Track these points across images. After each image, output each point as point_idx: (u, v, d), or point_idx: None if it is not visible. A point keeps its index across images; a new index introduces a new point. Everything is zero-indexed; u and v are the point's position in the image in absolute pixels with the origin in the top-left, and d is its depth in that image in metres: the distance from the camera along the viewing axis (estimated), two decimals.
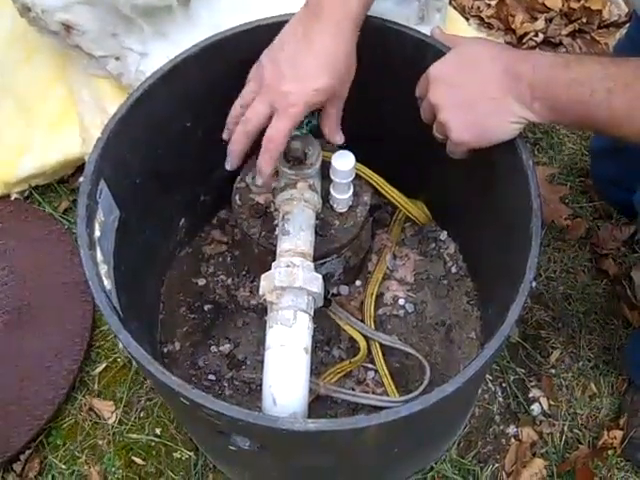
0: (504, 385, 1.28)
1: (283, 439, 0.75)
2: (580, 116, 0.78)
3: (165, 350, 1.16)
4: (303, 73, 0.86)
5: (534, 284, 1.32)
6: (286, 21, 0.92)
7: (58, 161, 1.46)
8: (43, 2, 1.20)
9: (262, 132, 0.89)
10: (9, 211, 1.46)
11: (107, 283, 0.84)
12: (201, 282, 1.22)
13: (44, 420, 1.22)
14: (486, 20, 1.83)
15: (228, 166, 0.94)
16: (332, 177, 1.01)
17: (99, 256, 0.85)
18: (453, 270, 1.22)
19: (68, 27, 1.23)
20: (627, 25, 1.58)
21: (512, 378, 1.29)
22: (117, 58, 1.27)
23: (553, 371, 1.30)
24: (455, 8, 1.74)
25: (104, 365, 1.31)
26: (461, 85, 0.84)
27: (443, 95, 0.85)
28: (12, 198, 1.48)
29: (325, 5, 0.86)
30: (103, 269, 0.84)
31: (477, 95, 0.83)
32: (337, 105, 0.91)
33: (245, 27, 1.00)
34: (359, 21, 0.88)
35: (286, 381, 0.86)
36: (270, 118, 0.88)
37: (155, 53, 1.23)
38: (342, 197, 1.04)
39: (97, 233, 0.86)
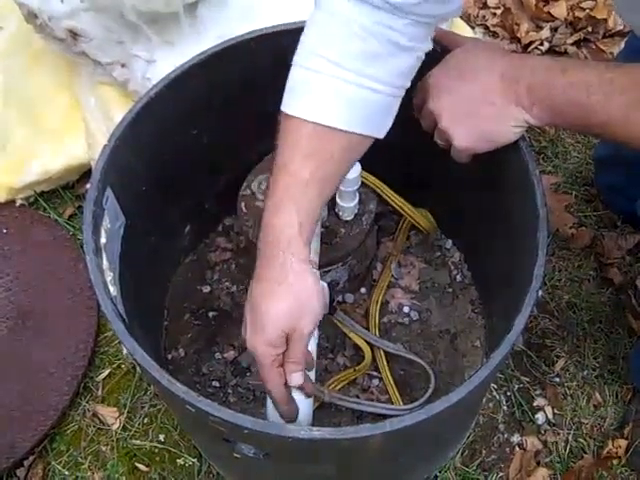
0: (509, 394, 1.28)
1: (288, 447, 0.75)
2: (577, 119, 0.78)
3: (169, 357, 1.16)
4: (260, 323, 0.78)
5: (540, 293, 1.32)
6: (291, 30, 0.91)
7: (63, 167, 1.46)
8: (49, 9, 1.20)
9: None
10: (14, 217, 1.47)
11: (113, 290, 0.84)
12: (206, 289, 1.22)
13: (48, 426, 1.22)
14: (491, 29, 1.84)
15: None
16: None
17: (105, 263, 0.85)
18: (458, 278, 1.22)
19: (74, 34, 1.24)
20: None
21: (517, 387, 1.28)
22: (123, 65, 1.28)
23: (558, 380, 1.30)
24: (461, 17, 1.73)
25: (108, 371, 1.31)
26: (460, 92, 0.84)
27: (443, 103, 0.85)
28: (17, 204, 1.49)
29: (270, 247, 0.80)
30: (109, 276, 0.84)
31: (477, 101, 0.83)
32: (302, 339, 0.79)
33: (250, 36, 1.00)
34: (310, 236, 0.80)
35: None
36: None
37: (161, 60, 1.23)
38: (348, 205, 1.04)
39: (103, 240, 0.86)
